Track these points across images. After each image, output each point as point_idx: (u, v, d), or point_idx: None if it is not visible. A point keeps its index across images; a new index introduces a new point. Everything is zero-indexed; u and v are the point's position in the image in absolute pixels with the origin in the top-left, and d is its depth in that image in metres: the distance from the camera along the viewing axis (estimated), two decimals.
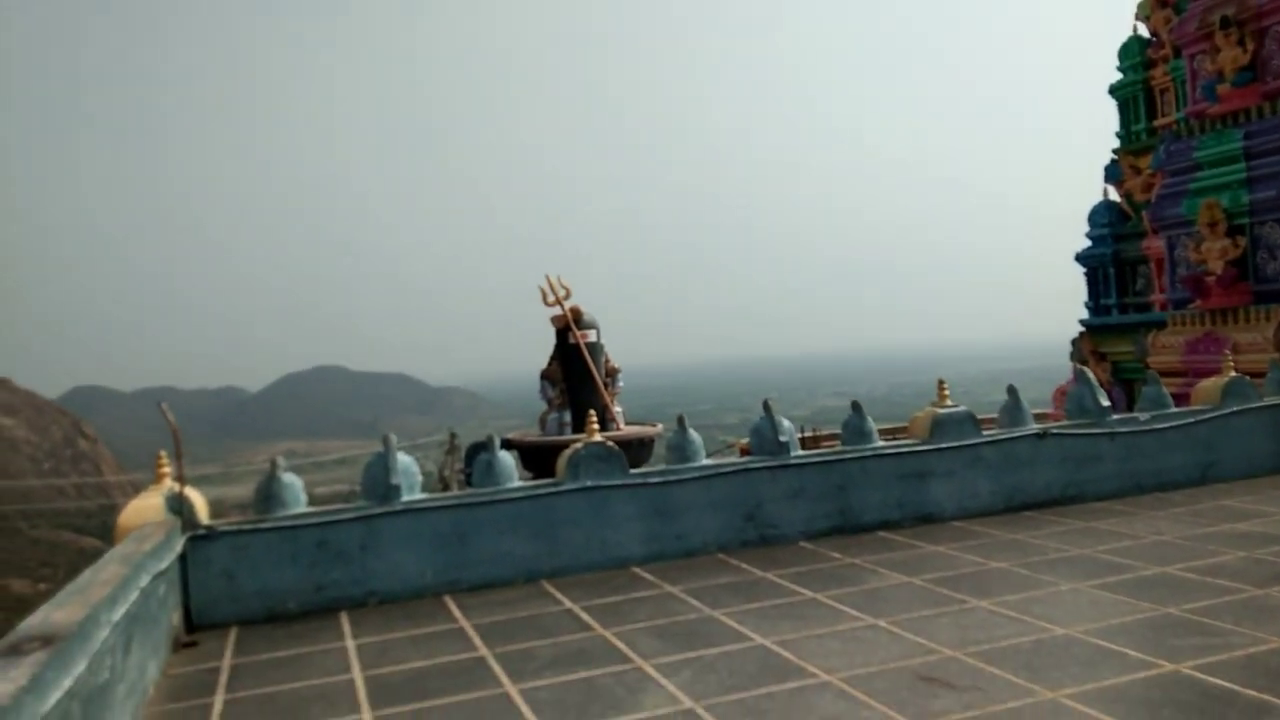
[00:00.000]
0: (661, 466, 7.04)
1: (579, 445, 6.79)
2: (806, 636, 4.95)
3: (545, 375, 11.62)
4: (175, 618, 5.62)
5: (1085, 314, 15.18)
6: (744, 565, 6.56)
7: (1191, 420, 8.37)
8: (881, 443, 7.51)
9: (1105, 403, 8.18)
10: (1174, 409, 8.41)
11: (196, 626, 5.90)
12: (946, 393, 7.83)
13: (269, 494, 6.26)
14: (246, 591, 6.07)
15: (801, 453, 7.29)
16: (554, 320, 11.46)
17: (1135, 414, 8.36)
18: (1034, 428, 7.95)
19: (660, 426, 12.34)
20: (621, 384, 11.85)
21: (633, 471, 6.88)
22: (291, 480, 6.33)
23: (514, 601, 6.07)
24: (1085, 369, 8.43)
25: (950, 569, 6.14)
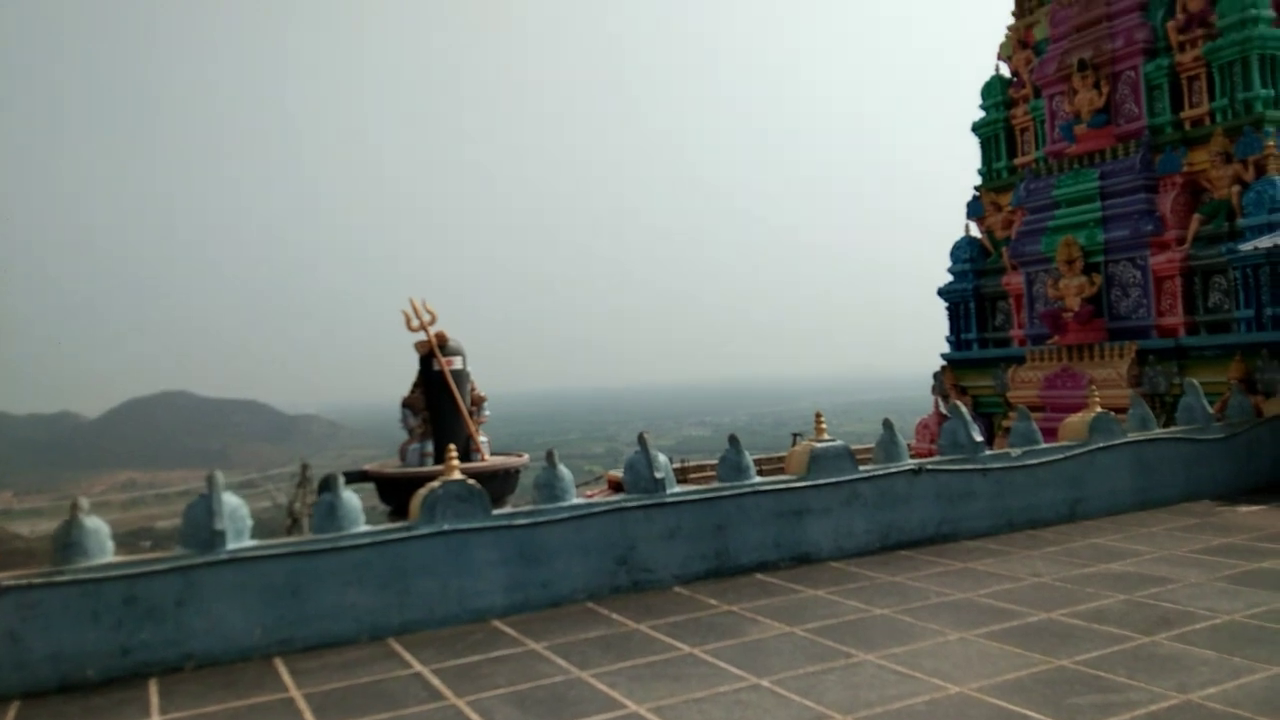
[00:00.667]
0: (528, 506, 6.47)
1: (435, 484, 6.16)
2: (685, 701, 4.46)
3: (407, 403, 11.15)
4: None
5: (946, 348, 15.41)
6: (615, 615, 6.04)
7: (1061, 456, 8.36)
8: (759, 479, 7.15)
9: (979, 438, 8.08)
10: (1044, 445, 8.39)
11: None
12: (824, 426, 7.56)
13: (68, 542, 5.37)
14: (35, 657, 5.16)
15: (678, 490, 6.85)
16: (418, 346, 10.99)
17: (1007, 450, 8.29)
18: (910, 463, 7.75)
19: (526, 457, 12.13)
20: (488, 413, 11.58)
21: (496, 512, 6.28)
22: (95, 525, 5.45)
23: (355, 664, 5.37)
24: (959, 404, 8.32)
25: (832, 616, 5.78)
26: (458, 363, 11.04)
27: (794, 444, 30.50)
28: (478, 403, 11.29)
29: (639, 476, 6.73)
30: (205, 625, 5.52)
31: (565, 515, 6.42)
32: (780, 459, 21.50)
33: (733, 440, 7.16)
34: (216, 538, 5.58)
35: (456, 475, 6.22)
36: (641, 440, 6.82)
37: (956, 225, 15.22)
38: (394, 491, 10.01)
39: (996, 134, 14.88)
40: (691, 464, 21.15)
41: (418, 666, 5.25)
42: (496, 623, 6.05)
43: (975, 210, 15.05)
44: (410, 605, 5.97)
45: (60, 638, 5.22)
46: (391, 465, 11.21)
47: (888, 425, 7.85)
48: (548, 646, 5.47)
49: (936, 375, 15.29)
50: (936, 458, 8.04)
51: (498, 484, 10.44)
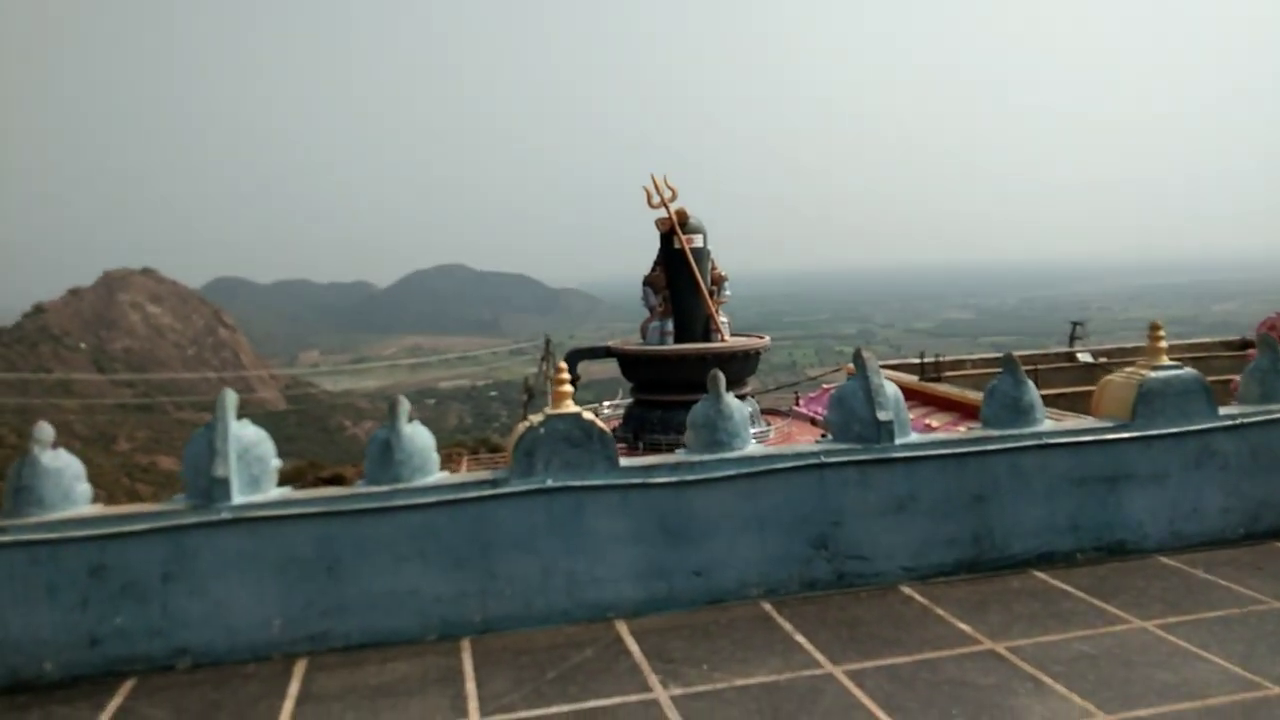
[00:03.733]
0: (677, 456, 4.32)
1: (537, 419, 4.12)
2: None
3: (648, 281, 10.76)
4: None
5: None
6: (801, 637, 3.83)
7: None
8: (1050, 424, 4.59)
9: None
10: None
11: None
12: (1162, 344, 4.80)
13: (19, 486, 3.83)
14: None
15: (915, 438, 4.44)
16: (658, 223, 10.46)
17: None
18: None
19: (768, 339, 11.17)
20: (729, 292, 10.97)
21: (627, 463, 4.18)
22: (57, 464, 3.87)
23: (391, 691, 3.53)
24: None
25: (1185, 693, 3.28)
26: (698, 240, 10.71)
27: (1074, 334, 25.97)
28: (718, 282, 10.75)
29: (851, 416, 4.37)
30: (204, 610, 3.87)
31: (731, 471, 4.21)
32: (1057, 357, 17.99)
33: (1009, 363, 4.60)
34: (217, 488, 3.87)
35: (569, 407, 4.14)
36: (859, 360, 4.43)
37: None
38: (635, 369, 9.92)
39: None
40: (948, 358, 18.01)
41: (472, 713, 3.33)
42: (621, 627, 4.03)
43: None
44: (497, 594, 4.05)
45: (7, 620, 3.74)
46: (634, 342, 10.77)
47: (1268, 343, 4.96)
48: (682, 695, 3.38)
49: None
50: None
51: (736, 366, 10.23)
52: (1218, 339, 19.26)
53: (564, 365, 4.17)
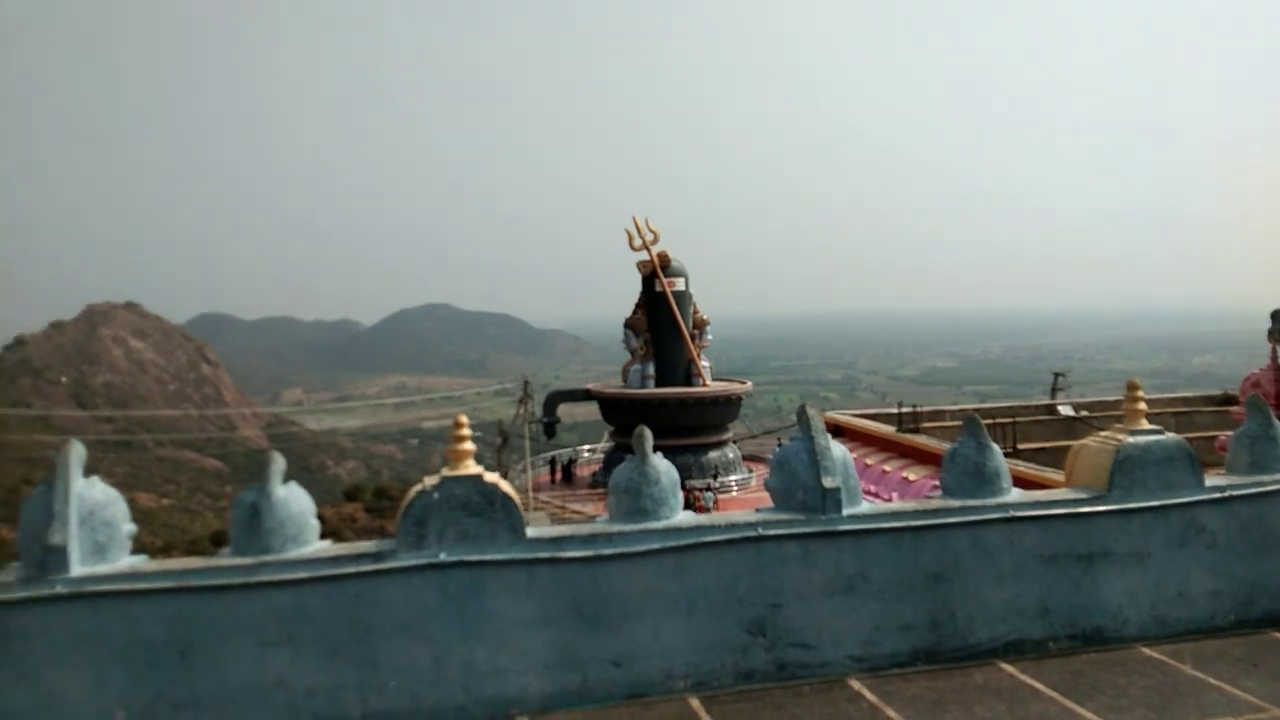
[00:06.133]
0: (593, 524, 3.80)
1: (431, 483, 3.60)
2: None
3: (629, 324, 10.61)
4: None
5: None
6: None
7: None
8: (1016, 495, 4.10)
9: None
10: None
11: None
12: (1141, 405, 4.33)
13: None
14: None
15: (866, 508, 3.93)
16: (640, 266, 10.35)
17: None
18: None
19: (750, 384, 10.93)
20: (710, 336, 10.80)
21: (534, 534, 3.66)
22: None
23: None
24: None
25: None
26: (680, 284, 10.50)
27: (1056, 385, 25.60)
28: (700, 326, 10.62)
29: (794, 482, 3.87)
30: (32, 703, 3.31)
31: (656, 544, 3.69)
32: (1038, 409, 17.56)
33: (971, 424, 4.11)
34: (53, 557, 3.32)
35: (468, 468, 3.63)
36: (803, 417, 3.94)
37: None
38: (616, 412, 10.35)
39: None
40: (926, 409, 17.51)
41: None
42: None
43: None
44: (379, 687, 3.50)
45: None
46: (614, 385, 10.64)
47: (1258, 406, 4.49)
48: None
49: (1278, 315, 11.08)
50: None
51: (718, 411, 10.49)
52: (1199, 393, 18.90)
53: (463, 420, 3.66)
